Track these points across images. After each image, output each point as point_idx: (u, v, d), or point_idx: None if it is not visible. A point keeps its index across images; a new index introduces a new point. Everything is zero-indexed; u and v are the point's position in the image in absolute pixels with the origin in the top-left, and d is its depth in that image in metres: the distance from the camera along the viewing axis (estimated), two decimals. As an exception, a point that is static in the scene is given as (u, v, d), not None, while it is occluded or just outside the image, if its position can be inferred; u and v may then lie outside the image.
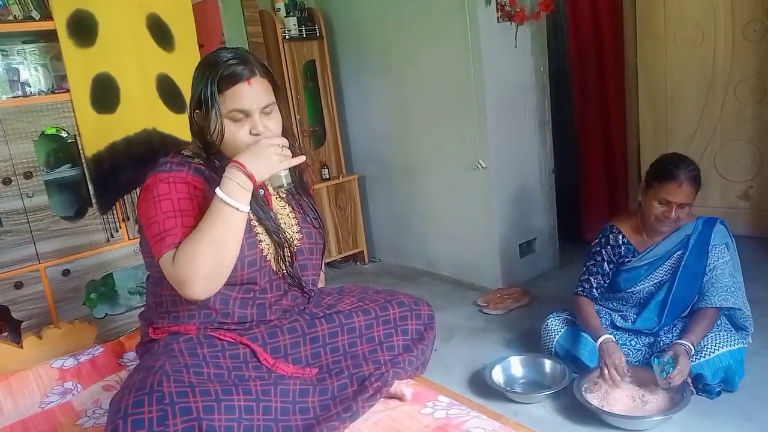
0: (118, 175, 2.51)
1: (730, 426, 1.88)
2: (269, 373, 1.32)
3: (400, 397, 1.43)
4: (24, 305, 2.38)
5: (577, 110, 3.69)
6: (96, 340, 1.99)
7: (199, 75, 1.32)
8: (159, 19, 2.57)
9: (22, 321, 2.38)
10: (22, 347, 1.85)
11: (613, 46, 3.55)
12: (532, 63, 3.16)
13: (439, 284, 3.45)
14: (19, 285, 2.37)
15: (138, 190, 2.45)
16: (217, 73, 1.28)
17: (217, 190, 1.20)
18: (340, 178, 3.78)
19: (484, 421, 1.29)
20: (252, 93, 1.29)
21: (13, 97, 2.45)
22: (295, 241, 1.44)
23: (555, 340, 2.27)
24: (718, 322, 2.10)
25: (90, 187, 2.50)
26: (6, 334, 2.40)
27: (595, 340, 2.08)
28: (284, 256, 1.39)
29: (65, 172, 2.58)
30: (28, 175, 2.37)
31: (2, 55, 2.50)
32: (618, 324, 2.24)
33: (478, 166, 3.10)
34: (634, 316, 2.22)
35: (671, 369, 1.92)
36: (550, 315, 2.35)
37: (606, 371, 1.98)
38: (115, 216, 2.57)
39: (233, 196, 1.20)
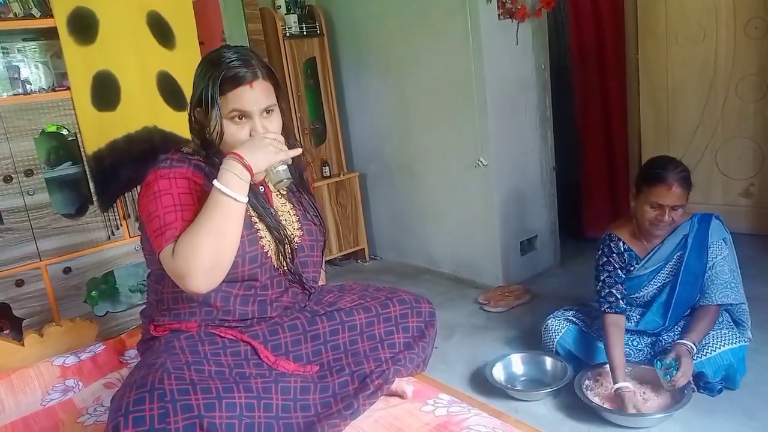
0: (118, 173, 2.51)
1: (731, 423, 1.88)
2: (270, 371, 1.32)
3: (401, 395, 1.42)
4: (25, 303, 2.39)
5: (578, 107, 3.68)
6: (97, 338, 1.99)
7: (201, 73, 1.32)
8: (159, 16, 2.56)
9: (24, 319, 2.38)
10: (23, 345, 1.86)
11: (614, 43, 3.54)
12: (533, 60, 3.16)
13: (440, 282, 3.44)
14: (20, 283, 2.37)
15: (139, 187, 2.43)
16: (219, 74, 1.28)
17: (215, 182, 1.21)
18: (341, 175, 3.78)
19: (485, 419, 1.29)
20: (253, 96, 1.29)
21: (14, 94, 2.46)
22: (296, 238, 1.45)
23: (556, 340, 2.26)
24: (720, 319, 2.09)
25: (91, 184, 2.50)
26: (7, 331, 2.40)
27: (612, 379, 1.98)
28: (285, 252, 1.39)
29: (66, 169, 2.58)
30: (28, 173, 2.37)
31: (3, 52, 2.50)
32: (622, 326, 2.23)
33: (479, 163, 3.09)
34: (638, 318, 2.20)
35: (675, 371, 1.91)
36: (551, 315, 2.34)
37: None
38: (116, 214, 2.57)
39: (231, 186, 1.20)
